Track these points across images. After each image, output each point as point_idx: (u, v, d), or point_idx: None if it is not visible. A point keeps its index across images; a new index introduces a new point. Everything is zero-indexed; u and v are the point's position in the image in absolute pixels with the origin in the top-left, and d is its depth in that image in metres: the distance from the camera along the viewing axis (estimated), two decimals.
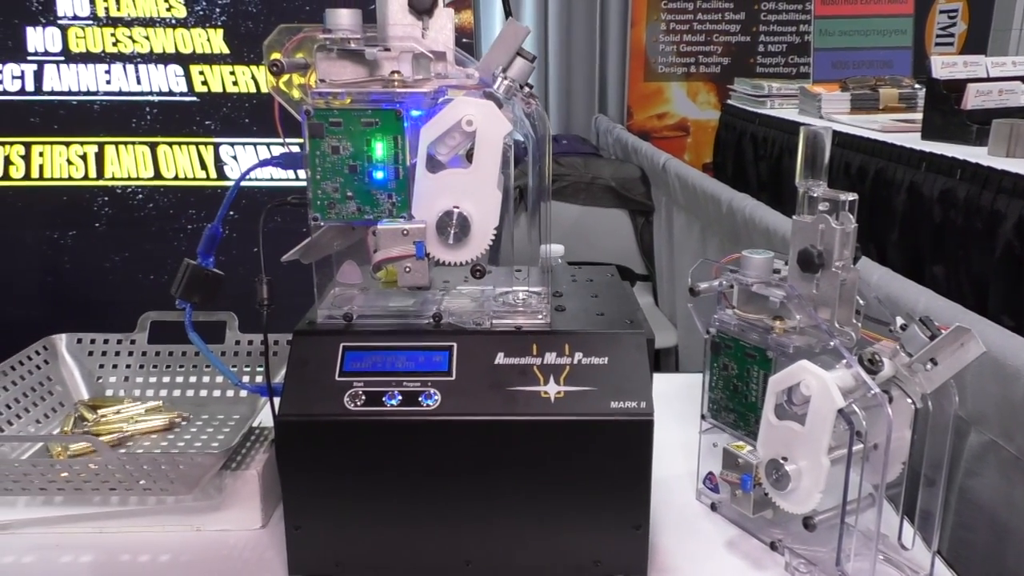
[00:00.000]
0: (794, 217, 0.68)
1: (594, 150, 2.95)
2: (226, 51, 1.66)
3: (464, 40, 1.88)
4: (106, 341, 0.88)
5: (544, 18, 3.15)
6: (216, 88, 1.68)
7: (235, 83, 1.68)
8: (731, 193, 1.65)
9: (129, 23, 1.64)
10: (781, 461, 0.65)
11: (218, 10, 1.65)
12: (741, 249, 0.73)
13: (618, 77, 3.23)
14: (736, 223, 1.58)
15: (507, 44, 0.64)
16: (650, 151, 2.35)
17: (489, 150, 0.64)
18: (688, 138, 3.16)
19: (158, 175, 1.70)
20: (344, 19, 0.63)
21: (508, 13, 0.69)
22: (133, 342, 0.87)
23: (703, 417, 0.77)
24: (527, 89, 0.67)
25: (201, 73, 1.68)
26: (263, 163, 0.71)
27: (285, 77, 0.65)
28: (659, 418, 0.87)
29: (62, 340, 0.87)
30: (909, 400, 0.65)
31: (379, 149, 0.65)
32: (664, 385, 0.99)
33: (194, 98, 1.68)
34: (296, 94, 0.66)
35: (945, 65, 1.61)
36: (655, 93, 3.15)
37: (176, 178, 1.71)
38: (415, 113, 0.66)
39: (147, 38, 1.65)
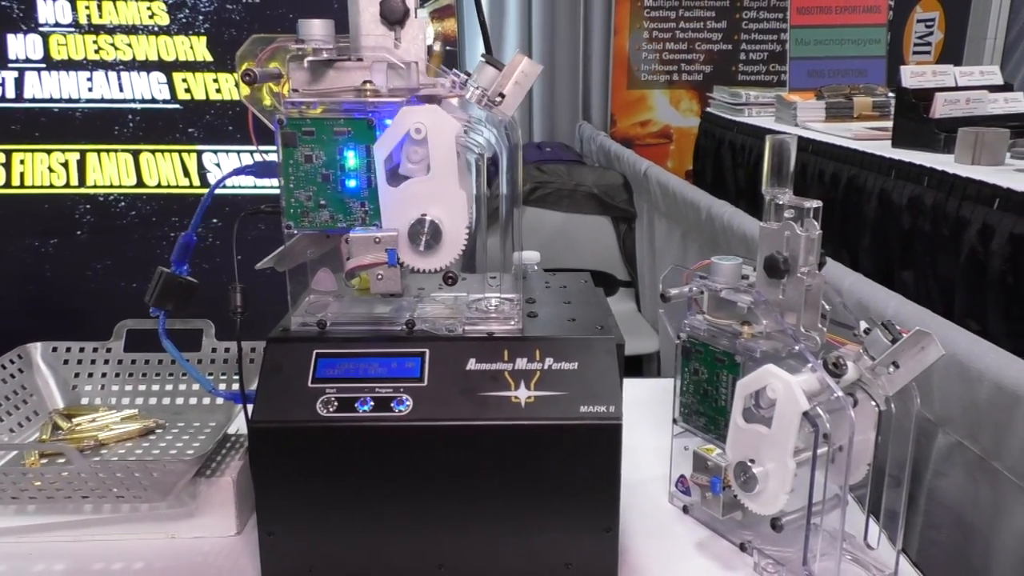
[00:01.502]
0: (760, 224, 0.70)
1: (578, 157, 2.97)
2: (209, 59, 1.67)
3: (448, 48, 1.89)
4: (82, 349, 0.88)
5: (528, 26, 3.17)
6: (199, 96, 1.69)
7: (218, 90, 1.69)
8: (710, 200, 1.67)
9: (111, 31, 1.64)
10: (749, 463, 0.66)
11: (201, 18, 1.66)
12: (720, 255, 0.75)
13: (601, 85, 3.26)
14: (715, 229, 1.60)
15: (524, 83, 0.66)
16: (632, 158, 2.37)
17: (443, 153, 0.64)
18: (671, 145, 3.19)
19: (141, 183, 1.70)
20: (317, 30, 0.64)
21: (488, 50, 0.70)
22: (109, 350, 0.87)
23: (675, 421, 0.78)
24: (499, 99, 0.68)
25: (184, 80, 1.68)
26: (237, 172, 0.72)
27: (259, 86, 0.66)
28: (635, 423, 0.88)
29: (37, 349, 0.87)
30: (873, 403, 0.66)
31: (352, 158, 0.65)
32: (641, 390, 1.01)
33: (177, 105, 1.68)
34: (270, 103, 0.67)
35: (914, 74, 1.64)
36: (638, 101, 3.18)
37: (159, 186, 1.71)
38: (388, 122, 0.67)
39: (129, 45, 1.65)
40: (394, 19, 0.65)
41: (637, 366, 2.23)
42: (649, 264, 2.25)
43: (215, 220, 1.67)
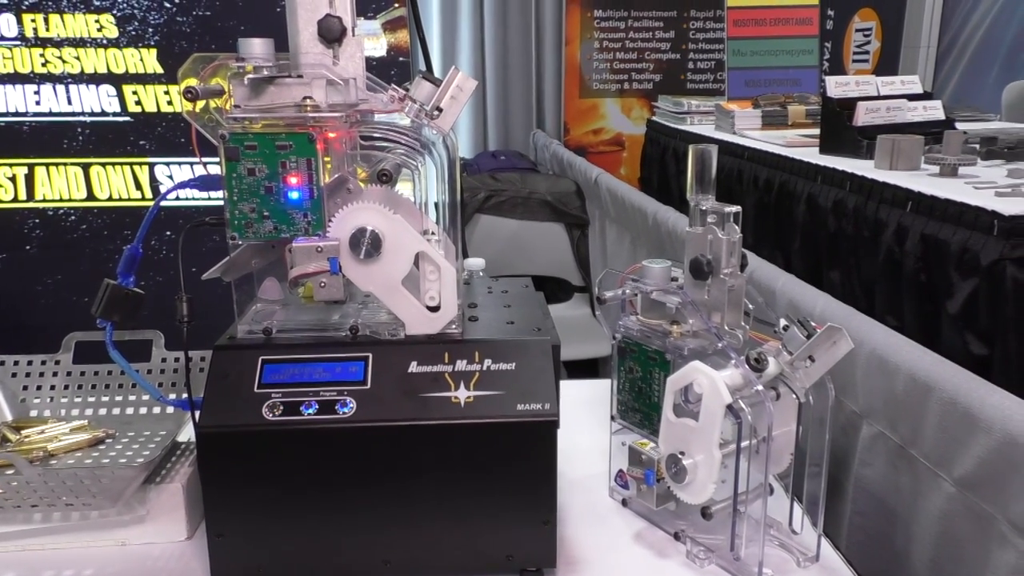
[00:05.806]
0: (687, 229, 0.74)
1: (532, 165, 3.01)
2: (160, 71, 1.67)
3: (401, 59, 1.91)
4: (30, 362, 0.88)
5: (480, 37, 3.21)
6: (150, 108, 1.68)
7: (170, 103, 1.69)
8: (656, 206, 1.72)
9: (59, 43, 1.63)
10: (679, 456, 0.69)
11: (151, 30, 1.66)
12: (651, 259, 0.78)
13: (554, 94, 3.32)
14: (661, 234, 1.65)
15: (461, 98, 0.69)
16: (583, 166, 2.42)
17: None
18: (624, 152, 3.25)
19: (91, 196, 1.70)
20: (256, 48, 0.67)
21: (428, 64, 0.74)
22: (58, 363, 0.88)
23: (612, 418, 0.81)
24: (437, 113, 0.71)
25: (135, 93, 1.68)
26: (180, 185, 0.74)
27: (201, 103, 0.68)
28: (581, 422, 0.91)
29: None
30: (794, 395, 0.70)
31: (293, 171, 0.68)
32: (586, 391, 1.04)
33: (128, 118, 1.68)
34: (212, 118, 0.69)
35: (839, 84, 1.72)
36: (590, 109, 3.24)
37: (110, 199, 1.71)
38: (331, 135, 0.70)
39: (78, 58, 1.65)
40: (332, 38, 0.67)
41: (593, 369, 2.27)
42: (602, 269, 2.30)
43: (168, 233, 1.67)
